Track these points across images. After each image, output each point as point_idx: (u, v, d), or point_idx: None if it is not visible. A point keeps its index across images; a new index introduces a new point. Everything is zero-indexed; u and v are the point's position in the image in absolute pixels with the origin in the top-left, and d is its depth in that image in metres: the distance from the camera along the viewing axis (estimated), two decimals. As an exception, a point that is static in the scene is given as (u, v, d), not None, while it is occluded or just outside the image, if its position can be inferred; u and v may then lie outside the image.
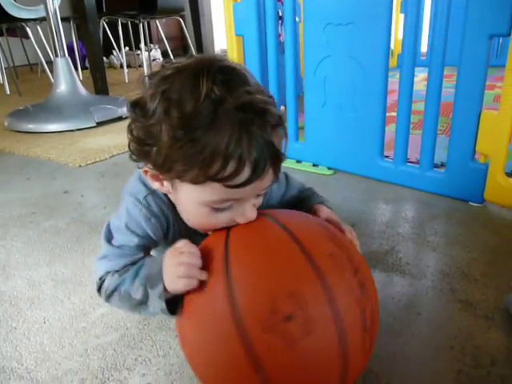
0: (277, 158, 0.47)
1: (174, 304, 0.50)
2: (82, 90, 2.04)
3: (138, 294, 0.52)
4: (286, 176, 0.68)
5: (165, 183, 0.52)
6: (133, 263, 0.57)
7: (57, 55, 1.97)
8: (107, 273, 0.57)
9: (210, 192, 0.47)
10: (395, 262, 0.83)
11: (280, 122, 0.48)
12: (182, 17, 3.09)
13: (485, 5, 0.88)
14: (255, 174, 0.45)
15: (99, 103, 1.96)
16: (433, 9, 2.37)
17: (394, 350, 0.62)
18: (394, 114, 1.11)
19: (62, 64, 1.97)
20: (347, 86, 1.15)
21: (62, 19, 1.91)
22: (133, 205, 0.57)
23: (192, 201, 0.50)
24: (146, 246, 0.60)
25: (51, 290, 0.80)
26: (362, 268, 0.49)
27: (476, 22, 0.90)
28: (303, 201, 0.67)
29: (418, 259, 0.84)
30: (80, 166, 1.43)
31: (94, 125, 1.85)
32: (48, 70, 2.46)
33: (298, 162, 1.34)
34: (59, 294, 0.79)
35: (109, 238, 0.59)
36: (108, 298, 0.57)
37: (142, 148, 0.49)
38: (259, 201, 0.53)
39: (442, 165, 1.20)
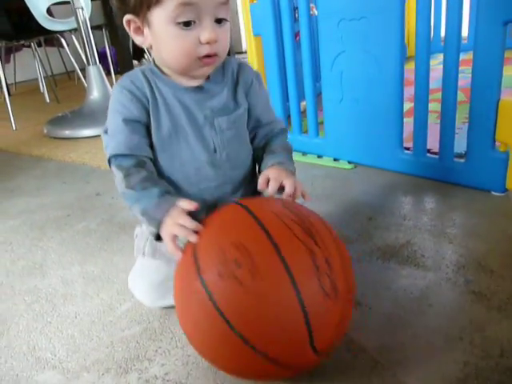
0: None
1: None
2: (114, 96, 2.13)
3: (135, 211, 0.63)
4: (272, 108, 0.75)
5: (144, 31, 0.62)
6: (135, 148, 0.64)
7: (89, 63, 2.06)
8: (114, 157, 0.64)
9: (174, 2, 0.56)
10: (410, 255, 0.83)
11: None
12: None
13: (498, -9, 0.86)
14: None
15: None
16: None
17: (403, 342, 0.64)
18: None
19: (94, 71, 2.06)
20: (363, 80, 1.15)
21: (95, 27, 1.99)
22: (118, 91, 0.65)
23: (163, 26, 0.58)
24: (141, 124, 0.65)
25: (82, 287, 0.86)
26: (325, 242, 0.53)
27: (490, 8, 0.89)
28: (266, 147, 0.73)
29: (434, 251, 0.84)
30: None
31: (125, 128, 1.93)
32: (82, 78, 2.58)
33: (319, 157, 1.35)
34: (89, 291, 0.85)
35: (105, 130, 0.68)
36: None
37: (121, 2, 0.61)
38: (223, 30, 0.61)
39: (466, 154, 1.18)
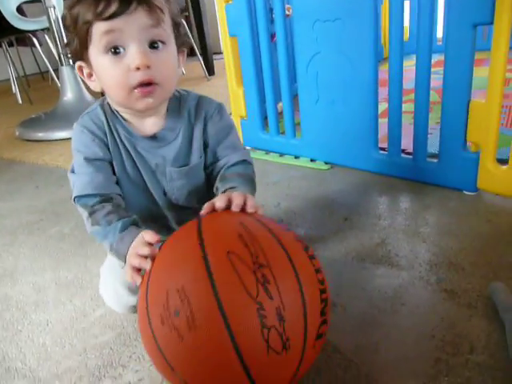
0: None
1: None
2: (88, 97, 2.09)
3: (106, 248, 0.62)
4: (240, 147, 0.72)
5: (93, 75, 0.62)
6: (98, 188, 0.63)
7: (62, 63, 2.02)
8: (79, 197, 0.64)
9: (98, 33, 0.56)
10: (384, 254, 0.84)
11: None
12: (186, 17, 3.12)
13: (467, -6, 0.88)
14: (120, 8, 0.54)
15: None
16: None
17: (376, 341, 0.64)
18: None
19: (67, 72, 2.03)
20: (338, 81, 1.16)
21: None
22: (79, 131, 0.66)
23: (97, 60, 0.59)
24: (105, 162, 0.66)
25: (54, 293, 0.85)
26: (283, 285, 0.46)
27: (459, 11, 0.90)
28: (223, 179, 0.66)
29: (408, 250, 0.85)
30: (86, 171, 1.48)
31: (101, 130, 1.90)
32: (56, 78, 2.53)
33: (296, 157, 1.35)
34: (62, 297, 0.83)
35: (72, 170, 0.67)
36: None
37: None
38: (161, 54, 0.59)
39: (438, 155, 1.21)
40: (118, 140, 0.66)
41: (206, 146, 0.69)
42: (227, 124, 0.71)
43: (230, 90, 1.48)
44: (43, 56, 2.76)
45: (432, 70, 1.00)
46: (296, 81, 1.28)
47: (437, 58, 1.01)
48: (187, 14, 3.17)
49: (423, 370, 0.59)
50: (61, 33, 1.98)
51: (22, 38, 3.17)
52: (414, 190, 1.08)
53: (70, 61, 2.02)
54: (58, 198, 1.29)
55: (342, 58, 1.13)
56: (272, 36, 1.34)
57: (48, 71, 3.11)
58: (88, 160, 0.64)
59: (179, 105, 0.68)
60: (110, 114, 0.66)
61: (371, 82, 1.10)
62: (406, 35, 2.61)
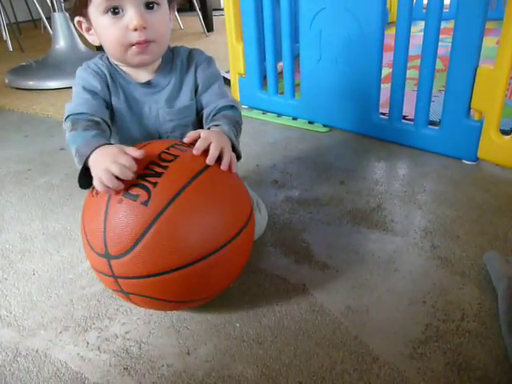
0: None
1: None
2: (81, 46, 2.01)
3: (73, 154, 0.60)
4: (228, 94, 0.74)
5: (91, 30, 0.66)
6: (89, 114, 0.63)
7: (54, 10, 1.92)
8: (70, 115, 0.63)
9: None
10: (379, 220, 0.83)
11: None
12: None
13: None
14: None
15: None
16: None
17: (367, 304, 0.64)
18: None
19: (60, 19, 1.93)
20: (343, 39, 1.11)
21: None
22: (81, 69, 0.69)
23: (97, 19, 0.62)
24: (100, 97, 0.67)
25: (42, 243, 0.83)
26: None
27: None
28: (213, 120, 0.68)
29: (403, 216, 0.84)
30: (77, 123, 1.43)
31: (94, 82, 1.84)
32: (49, 26, 2.42)
33: (294, 119, 1.32)
34: (49, 248, 0.81)
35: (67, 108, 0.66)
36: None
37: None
38: (156, 15, 0.63)
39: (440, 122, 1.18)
40: (118, 84, 0.69)
41: (196, 91, 0.72)
42: (215, 72, 0.74)
43: (230, 45, 1.42)
44: (36, 2, 2.63)
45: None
46: (298, 41, 1.23)
47: (443, 25, 0.96)
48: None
49: (414, 335, 0.58)
50: (54, -24, 1.87)
51: (13, -18, 3.02)
52: (412, 157, 1.06)
53: (63, 6, 1.92)
54: (47, 149, 1.26)
55: (348, 16, 1.08)
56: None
57: (40, 19, 2.99)
58: (85, 89, 0.66)
59: (172, 56, 0.72)
60: (109, 65, 0.70)
61: (377, 42, 1.06)
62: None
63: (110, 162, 0.53)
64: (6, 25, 2.93)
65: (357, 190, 0.93)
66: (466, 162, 1.01)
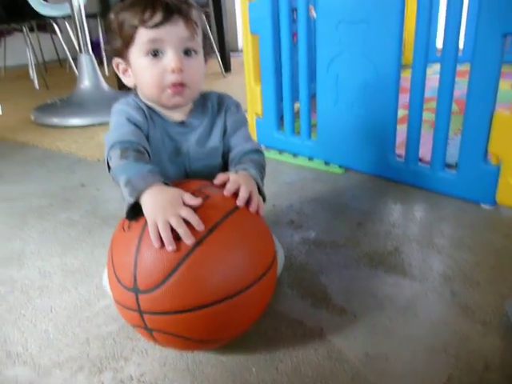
0: (183, 12, 0.64)
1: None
2: (105, 86, 2.09)
3: (121, 183, 0.60)
4: (253, 139, 0.77)
5: (129, 71, 0.70)
6: (131, 143, 0.64)
7: (81, 51, 2.02)
8: (115, 143, 0.64)
9: (141, 38, 0.64)
10: (398, 263, 0.82)
11: (187, 1, 0.67)
12: (206, 13, 3.11)
13: (498, 2, 0.86)
14: (164, 18, 0.63)
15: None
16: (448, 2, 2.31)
17: (386, 351, 0.62)
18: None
19: (86, 60, 2.03)
20: (359, 83, 1.14)
21: (90, 15, 1.96)
22: (122, 104, 0.71)
23: (137, 60, 0.66)
24: (140, 133, 0.68)
25: (60, 279, 0.84)
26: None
27: (489, 19, 0.88)
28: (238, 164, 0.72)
29: (422, 261, 0.83)
30: (98, 160, 1.47)
31: (115, 120, 1.89)
32: (74, 66, 2.53)
33: (310, 159, 1.34)
34: (67, 284, 0.82)
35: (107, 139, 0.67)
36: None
37: (111, 46, 0.68)
38: (192, 61, 0.67)
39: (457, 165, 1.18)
40: (154, 120, 0.71)
41: (224, 134, 0.76)
42: (242, 117, 0.78)
43: (248, 87, 1.47)
44: (63, 43, 2.77)
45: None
46: (313, 80, 1.27)
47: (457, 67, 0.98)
48: (207, 10, 3.16)
49: (434, 386, 0.57)
50: (82, 21, 1.98)
51: (42, 24, 3.20)
52: (429, 200, 1.06)
53: (89, 49, 2.02)
54: (69, 184, 1.29)
55: (364, 61, 1.11)
56: (293, 35, 1.32)
57: (66, 59, 3.13)
58: (130, 120, 0.68)
59: (203, 100, 0.75)
60: (144, 104, 0.72)
61: (393, 86, 1.08)
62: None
63: (170, 213, 0.53)
64: (34, 64, 3.07)
65: (374, 233, 0.93)
66: (484, 205, 1.00)
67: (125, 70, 0.71)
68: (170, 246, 0.52)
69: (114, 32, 0.67)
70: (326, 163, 1.30)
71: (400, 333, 0.66)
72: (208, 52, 0.73)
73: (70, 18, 2.42)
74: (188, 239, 0.52)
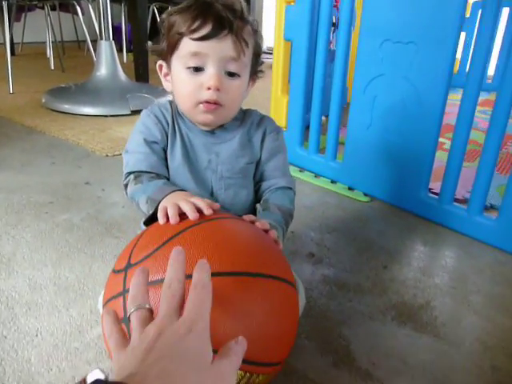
0: (234, 28, 0.59)
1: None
2: (122, 76, 2.00)
3: (141, 205, 0.62)
4: (289, 173, 0.73)
5: (169, 77, 0.67)
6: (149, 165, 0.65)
7: (101, 37, 1.93)
8: (132, 173, 0.65)
9: (184, 49, 0.61)
10: (429, 321, 0.73)
11: (243, 16, 0.62)
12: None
13: None
14: (212, 32, 0.59)
15: (137, 91, 1.91)
16: (506, 29, 2.22)
17: None
18: (441, 139, 0.99)
19: (106, 47, 1.94)
20: (397, 108, 1.05)
21: (113, 0, 1.87)
22: (146, 115, 0.69)
23: (178, 71, 0.63)
24: (160, 147, 0.68)
25: (51, 296, 0.75)
26: None
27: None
28: (263, 202, 0.69)
29: (456, 321, 0.74)
30: (107, 155, 1.39)
31: (129, 113, 1.80)
32: (92, 50, 2.44)
33: (333, 182, 1.24)
34: (58, 303, 0.73)
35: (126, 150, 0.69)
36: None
37: (160, 46, 0.65)
38: (233, 84, 0.63)
39: (492, 207, 1.09)
40: (177, 133, 0.68)
41: (259, 160, 0.71)
42: (281, 145, 0.73)
43: (273, 96, 1.38)
44: (83, 25, 2.68)
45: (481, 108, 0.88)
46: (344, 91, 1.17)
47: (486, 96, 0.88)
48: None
49: None
50: (106, 6, 1.89)
51: (65, 4, 3.12)
52: (463, 246, 0.96)
53: (110, 35, 1.93)
54: (72, 180, 1.20)
55: (406, 85, 1.02)
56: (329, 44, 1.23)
57: (85, 41, 3.04)
58: (146, 141, 0.66)
59: (243, 115, 0.71)
60: (176, 110, 0.70)
61: (436, 115, 0.99)
62: (456, 67, 2.48)
63: (180, 198, 0.55)
64: (52, 42, 2.99)
65: (402, 279, 0.84)
66: (525, 260, 0.91)
67: (166, 74, 0.68)
68: (173, 220, 0.52)
69: (163, 33, 0.65)
70: (350, 188, 1.21)
71: (434, 414, 0.57)
72: (257, 71, 0.69)
73: (93, 0, 2.34)
74: (192, 213, 0.52)
